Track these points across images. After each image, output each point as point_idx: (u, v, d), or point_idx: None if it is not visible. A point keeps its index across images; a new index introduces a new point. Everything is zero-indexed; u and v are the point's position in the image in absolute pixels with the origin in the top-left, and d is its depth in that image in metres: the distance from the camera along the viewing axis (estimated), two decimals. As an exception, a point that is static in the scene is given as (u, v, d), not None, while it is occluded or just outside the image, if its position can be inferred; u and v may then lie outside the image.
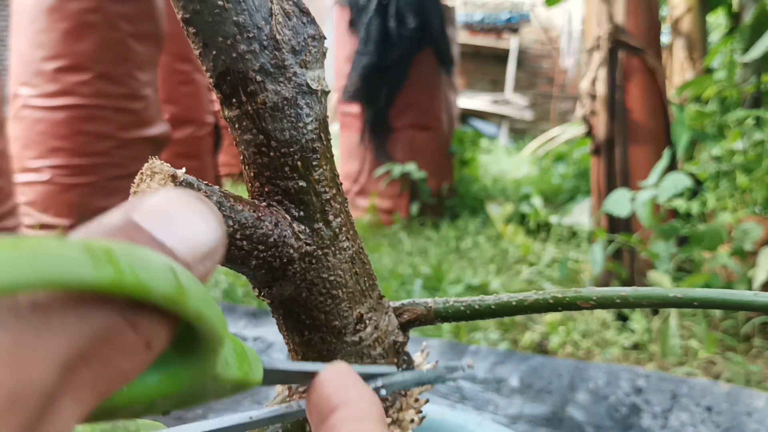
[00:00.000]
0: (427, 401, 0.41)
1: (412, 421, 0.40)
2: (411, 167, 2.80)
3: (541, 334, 1.52)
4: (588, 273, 1.86)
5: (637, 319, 1.48)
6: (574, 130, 3.88)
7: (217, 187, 0.31)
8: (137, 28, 2.18)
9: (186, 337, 0.17)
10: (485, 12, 7.14)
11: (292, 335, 0.37)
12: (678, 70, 2.57)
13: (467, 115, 6.36)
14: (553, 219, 2.55)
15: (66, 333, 0.13)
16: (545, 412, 1.03)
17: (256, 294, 0.36)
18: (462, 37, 6.62)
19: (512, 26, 7.07)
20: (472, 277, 1.95)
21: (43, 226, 2.11)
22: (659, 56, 1.74)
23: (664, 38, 2.49)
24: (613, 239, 1.66)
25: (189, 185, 0.30)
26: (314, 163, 0.33)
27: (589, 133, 1.81)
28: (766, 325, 1.47)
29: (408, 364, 0.40)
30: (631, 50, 1.70)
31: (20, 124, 2.13)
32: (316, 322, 0.36)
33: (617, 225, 1.73)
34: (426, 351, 0.43)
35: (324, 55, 0.35)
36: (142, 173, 0.29)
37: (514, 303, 0.38)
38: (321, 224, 0.34)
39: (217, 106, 3.32)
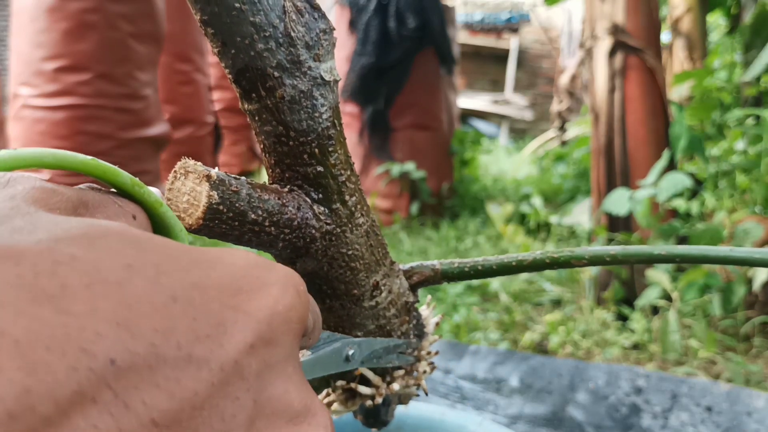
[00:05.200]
0: (437, 353, 0.45)
1: (425, 372, 0.43)
2: (410, 167, 2.80)
3: (541, 334, 1.52)
4: (588, 272, 1.86)
5: (637, 319, 1.48)
6: (574, 130, 3.88)
7: (244, 178, 0.33)
8: (137, 28, 2.18)
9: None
10: (485, 12, 7.14)
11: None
12: (678, 70, 2.57)
13: (467, 115, 6.36)
14: (553, 219, 2.55)
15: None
16: (545, 412, 1.03)
17: None
18: (462, 37, 6.62)
19: (512, 26, 7.07)
20: (472, 277, 1.95)
21: (43, 226, 2.11)
22: (659, 56, 1.74)
23: (664, 38, 2.49)
24: (612, 238, 1.66)
25: (221, 182, 0.31)
26: (330, 149, 0.36)
27: (562, 127, 1.82)
28: (766, 325, 1.47)
29: (418, 319, 0.44)
30: (631, 50, 1.70)
31: (20, 124, 2.13)
32: (336, 292, 0.39)
33: (617, 224, 1.73)
34: (432, 305, 0.46)
35: (334, 45, 0.36)
36: (175, 171, 0.31)
37: (513, 263, 0.41)
38: (338, 204, 0.37)
39: (217, 106, 3.33)
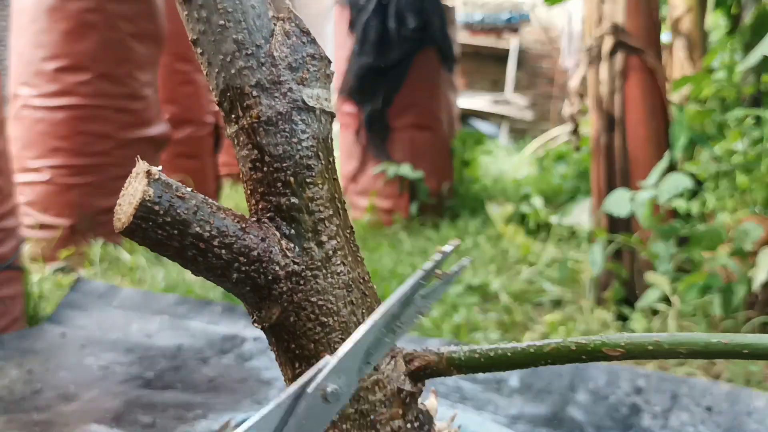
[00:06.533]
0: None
1: None
2: (405, 168, 2.80)
3: (542, 334, 1.52)
4: (588, 273, 1.86)
5: (638, 319, 1.48)
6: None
7: (201, 195, 0.32)
8: (137, 28, 2.18)
9: None
10: (485, 12, 7.14)
11: (286, 369, 0.36)
12: (678, 70, 2.57)
13: (467, 115, 6.36)
14: (553, 219, 2.55)
15: None
16: (545, 412, 1.03)
17: (252, 320, 0.35)
18: (462, 37, 6.61)
19: (512, 26, 7.07)
20: (472, 277, 1.95)
21: (43, 226, 2.11)
22: (659, 56, 1.74)
23: (664, 38, 2.49)
24: (613, 239, 1.66)
25: (165, 184, 0.30)
26: (308, 180, 0.33)
27: (576, 131, 1.82)
28: (766, 325, 1.46)
29: (420, 418, 0.37)
30: (631, 50, 1.70)
31: (20, 124, 2.13)
32: (305, 352, 0.34)
33: (617, 225, 1.73)
34: (454, 416, 0.39)
35: (328, 77, 0.35)
36: (131, 176, 0.31)
37: (532, 350, 0.35)
38: (312, 244, 0.33)
39: (217, 107, 3.33)
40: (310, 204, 0.33)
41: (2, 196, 1.43)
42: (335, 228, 0.34)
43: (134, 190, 0.29)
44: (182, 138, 2.83)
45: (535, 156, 4.28)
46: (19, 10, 2.14)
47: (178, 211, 0.29)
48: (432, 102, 2.96)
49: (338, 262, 0.34)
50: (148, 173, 0.29)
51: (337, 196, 0.35)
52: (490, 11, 7.14)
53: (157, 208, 0.29)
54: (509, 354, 0.35)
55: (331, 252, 0.34)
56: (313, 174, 0.33)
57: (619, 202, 1.58)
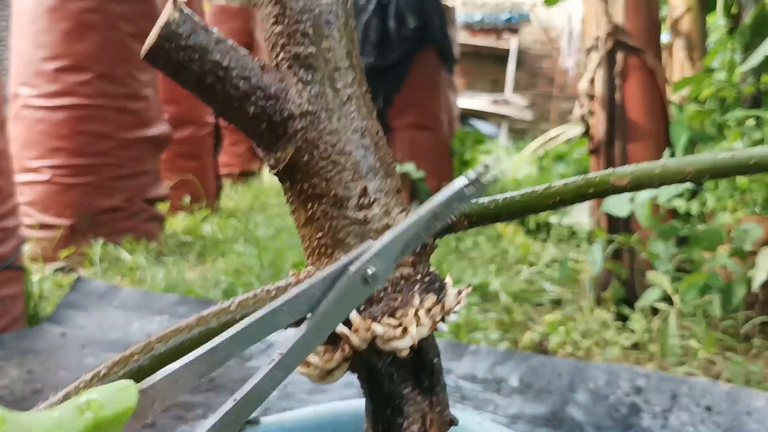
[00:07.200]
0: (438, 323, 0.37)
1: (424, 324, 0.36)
2: (409, 167, 2.80)
3: (541, 334, 1.52)
4: (588, 273, 1.86)
5: (637, 319, 1.48)
6: (574, 130, 3.88)
7: (223, 36, 0.34)
8: (137, 29, 2.18)
9: None
10: (485, 12, 7.14)
11: (299, 213, 0.37)
12: (678, 70, 2.57)
13: (467, 115, 6.36)
14: (553, 219, 2.55)
15: None
16: (545, 412, 1.03)
17: (268, 166, 0.37)
18: (462, 37, 6.62)
19: (512, 26, 7.07)
20: (472, 277, 1.95)
21: (43, 226, 2.11)
22: (659, 56, 1.74)
23: (664, 38, 2.49)
24: (612, 239, 1.66)
25: (189, 15, 0.32)
26: (326, 33, 0.36)
27: (587, 133, 1.82)
28: (766, 325, 1.47)
29: (432, 281, 0.37)
30: (631, 50, 1.70)
31: (20, 124, 2.13)
32: (317, 191, 0.35)
33: (617, 225, 1.73)
34: (465, 291, 0.38)
35: None
36: (162, 13, 0.33)
37: (539, 192, 0.36)
38: (328, 89, 0.35)
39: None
40: (326, 54, 0.36)
41: (2, 196, 1.44)
42: (351, 79, 0.36)
43: (161, 20, 0.32)
44: (182, 138, 2.83)
45: (534, 156, 4.28)
46: (19, 10, 2.15)
47: (201, 37, 0.32)
48: (432, 102, 2.97)
49: (353, 108, 0.36)
50: (175, 2, 0.31)
51: (354, 53, 0.37)
52: (489, 11, 7.14)
53: (180, 30, 0.31)
54: (518, 199, 0.37)
55: (345, 98, 0.36)
56: (331, 28, 0.36)
57: (619, 202, 1.59)
